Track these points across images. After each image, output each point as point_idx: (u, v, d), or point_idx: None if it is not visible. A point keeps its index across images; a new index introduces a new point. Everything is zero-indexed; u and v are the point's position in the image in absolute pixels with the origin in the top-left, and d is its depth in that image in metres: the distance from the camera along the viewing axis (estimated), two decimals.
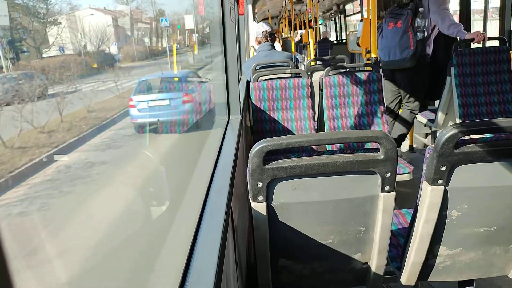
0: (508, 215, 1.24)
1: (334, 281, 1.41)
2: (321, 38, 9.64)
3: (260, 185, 1.13)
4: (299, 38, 10.58)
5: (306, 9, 9.60)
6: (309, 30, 8.68)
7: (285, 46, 10.19)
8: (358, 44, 5.26)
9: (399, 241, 1.58)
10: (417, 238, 1.27)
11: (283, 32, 12.50)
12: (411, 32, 3.11)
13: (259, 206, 1.16)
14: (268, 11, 11.49)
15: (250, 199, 1.17)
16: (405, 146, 4.15)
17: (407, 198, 2.72)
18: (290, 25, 12.06)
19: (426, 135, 4.11)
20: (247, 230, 1.65)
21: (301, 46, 10.16)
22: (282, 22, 12.97)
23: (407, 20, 3.13)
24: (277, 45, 9.72)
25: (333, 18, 11.63)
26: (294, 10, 10.72)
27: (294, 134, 2.65)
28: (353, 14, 10.62)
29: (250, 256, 1.63)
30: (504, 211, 1.23)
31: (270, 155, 1.12)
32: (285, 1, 9.90)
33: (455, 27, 3.00)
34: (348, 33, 7.19)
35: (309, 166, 1.11)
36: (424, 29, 3.12)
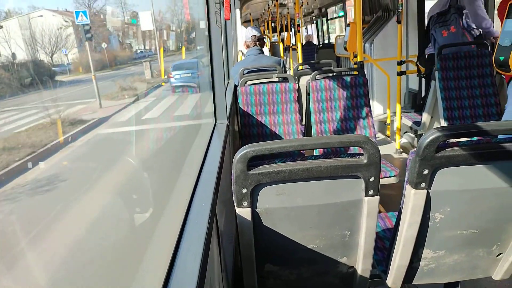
0: (491, 217, 1.26)
1: (321, 285, 1.41)
2: (305, 42, 9.67)
3: (244, 190, 1.13)
4: (281, 41, 10.62)
5: (288, 12, 9.63)
6: (291, 33, 8.70)
7: (274, 51, 10.23)
8: (345, 48, 5.32)
9: (384, 245, 1.59)
10: (402, 241, 1.28)
11: (266, 32, 12.57)
12: (467, 33, 3.12)
13: (244, 212, 1.16)
14: (250, 14, 11.56)
15: (235, 204, 1.16)
16: (392, 148, 4.20)
17: (393, 200, 2.75)
18: (270, 28, 12.14)
19: (413, 138, 4.15)
20: (234, 236, 1.64)
21: (284, 49, 10.20)
22: (263, 25, 13.04)
23: (458, 22, 3.13)
24: (266, 49, 9.74)
25: (314, 22, 11.70)
26: (275, 13, 10.79)
27: (281, 138, 2.66)
28: (335, 18, 10.66)
29: (237, 262, 1.62)
30: (486, 213, 1.25)
31: (255, 161, 1.12)
32: (268, 5, 9.95)
33: (489, 22, 3.04)
34: (336, 37, 7.25)
35: (293, 171, 1.11)
36: (474, 28, 3.13)
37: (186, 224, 0.99)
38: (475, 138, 1.15)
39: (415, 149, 1.16)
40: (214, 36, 1.88)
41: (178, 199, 1.14)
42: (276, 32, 10.55)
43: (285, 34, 10.15)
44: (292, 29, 8.99)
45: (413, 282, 1.42)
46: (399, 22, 3.82)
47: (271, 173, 1.11)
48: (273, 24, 12.38)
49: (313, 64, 4.24)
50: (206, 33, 1.91)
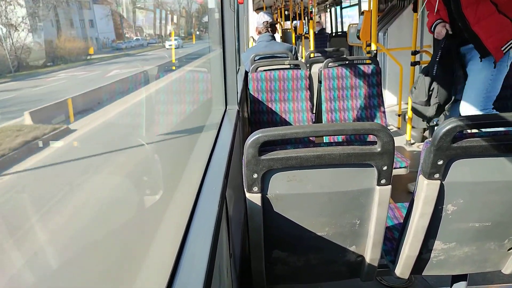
0: (504, 211, 1.24)
1: (328, 273, 1.41)
2: (318, 30, 9.53)
3: (255, 176, 1.12)
4: (293, 29, 10.47)
5: (301, 0, 9.48)
6: (304, 21, 8.56)
7: (285, 38, 10.11)
8: (358, 37, 5.23)
9: (393, 235, 1.58)
10: (412, 232, 1.27)
11: (279, 19, 12.40)
12: None
13: (254, 197, 1.15)
14: (263, 1, 11.38)
15: (245, 189, 1.16)
16: (402, 139, 4.15)
17: (403, 192, 2.73)
18: (282, 16, 11.93)
19: (424, 129, 4.10)
20: (243, 222, 1.64)
21: (296, 37, 10.07)
22: (276, 13, 12.83)
23: None
24: (277, 36, 9.62)
25: (328, 10, 11.50)
26: (289, 0, 10.60)
27: (291, 126, 2.64)
28: (350, 6, 10.47)
29: (245, 248, 1.63)
30: (500, 207, 1.23)
31: (266, 146, 1.11)
32: None
33: None
34: (349, 25, 7.12)
35: (305, 158, 1.10)
36: None
37: (196, 208, 0.98)
38: (492, 130, 1.12)
39: (430, 139, 1.14)
40: (227, 19, 1.85)
41: (189, 183, 1.14)
42: (289, 20, 10.41)
43: (297, 22, 10.00)
44: (306, 17, 8.84)
45: (421, 274, 1.41)
46: (415, 10, 3.74)
47: (282, 159, 1.10)
48: (286, 12, 12.19)
49: (325, 52, 4.18)
50: (217, 16, 1.89)
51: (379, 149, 1.10)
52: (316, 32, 8.97)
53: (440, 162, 1.12)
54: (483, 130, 1.14)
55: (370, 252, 1.30)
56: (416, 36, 3.82)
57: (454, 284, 1.56)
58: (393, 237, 1.56)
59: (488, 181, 1.17)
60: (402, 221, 1.49)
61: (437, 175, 1.14)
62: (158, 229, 0.92)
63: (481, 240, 1.31)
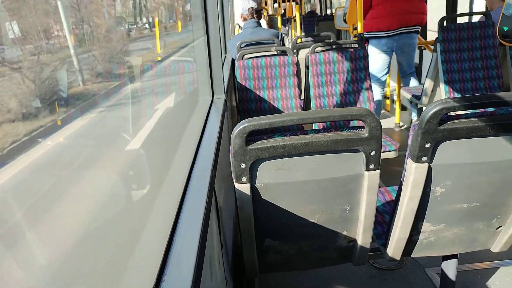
0: (492, 191, 1.25)
1: (320, 259, 1.42)
2: (308, 11, 9.38)
3: (243, 166, 1.11)
4: (282, 11, 10.24)
5: None
6: (293, 4, 8.44)
7: (272, 24, 9.97)
8: (345, 21, 5.19)
9: (384, 218, 1.59)
10: (402, 215, 1.27)
11: (265, 4, 12.13)
12: None
13: (243, 187, 1.15)
14: None
15: (234, 180, 1.15)
16: (391, 122, 4.17)
17: (393, 175, 2.75)
18: None
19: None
20: (234, 212, 1.64)
21: (285, 20, 9.91)
22: None
23: None
24: (263, 22, 9.45)
25: None
26: None
27: (280, 113, 2.62)
28: None
29: (237, 238, 1.63)
30: (488, 187, 1.24)
31: (254, 135, 1.10)
32: None
33: None
34: (335, 8, 7.04)
35: (292, 146, 1.09)
36: None
37: (184, 201, 0.97)
38: (478, 111, 1.12)
39: (417, 122, 1.13)
40: (210, 7, 1.81)
41: (176, 176, 1.13)
42: (276, 2, 10.23)
43: (286, 4, 9.81)
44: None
45: (412, 255, 1.43)
46: None
47: (270, 148, 1.09)
48: None
49: (313, 37, 4.14)
50: (200, 2, 1.84)
51: (366, 134, 1.09)
52: (304, 15, 8.82)
53: (428, 145, 1.12)
54: (470, 111, 1.14)
55: (361, 236, 1.31)
56: None
57: (444, 262, 1.58)
58: (384, 221, 1.57)
59: (475, 162, 1.18)
60: (392, 204, 1.50)
61: (424, 158, 1.15)
62: (145, 224, 0.91)
63: (469, 221, 1.33)
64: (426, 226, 1.33)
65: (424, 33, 4.01)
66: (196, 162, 1.20)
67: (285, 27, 9.87)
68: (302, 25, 7.89)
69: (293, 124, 1.08)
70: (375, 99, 3.50)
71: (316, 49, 2.65)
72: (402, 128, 4.03)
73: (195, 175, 1.12)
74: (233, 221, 1.66)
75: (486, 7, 3.30)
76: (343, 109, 1.10)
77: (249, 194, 1.15)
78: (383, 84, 3.60)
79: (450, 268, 1.57)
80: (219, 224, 1.25)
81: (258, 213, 1.21)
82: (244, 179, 1.13)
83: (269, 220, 1.25)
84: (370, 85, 2.69)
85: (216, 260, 1.11)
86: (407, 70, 3.63)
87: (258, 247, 1.30)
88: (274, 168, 1.13)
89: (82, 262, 0.69)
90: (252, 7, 3.39)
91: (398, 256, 1.40)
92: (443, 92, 2.88)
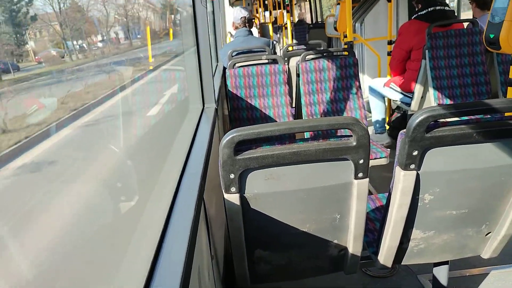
0: (480, 197, 1.26)
1: (312, 268, 1.41)
2: (297, 20, 9.46)
3: (232, 176, 1.10)
4: (273, 19, 10.33)
5: None
6: (284, 12, 8.51)
7: (263, 32, 10.03)
8: (335, 29, 5.24)
9: (375, 226, 1.59)
10: (392, 223, 1.28)
11: (257, 12, 12.18)
12: None
13: (232, 198, 1.14)
14: None
15: (223, 190, 1.14)
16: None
17: (384, 182, 2.75)
18: (261, 6, 11.72)
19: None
20: (225, 223, 1.63)
21: (276, 28, 10.00)
22: (256, 3, 12.63)
23: None
24: (255, 30, 9.50)
25: None
26: None
27: (272, 121, 2.63)
28: None
29: (228, 249, 1.61)
30: (476, 193, 1.25)
31: (242, 145, 1.10)
32: None
33: None
34: (326, 16, 7.10)
35: (281, 155, 1.08)
36: None
37: (172, 212, 0.96)
38: (465, 118, 1.13)
39: (404, 130, 1.14)
40: (200, 16, 1.82)
41: (165, 186, 1.12)
42: (268, 10, 10.29)
43: (278, 12, 9.89)
44: (285, 8, 8.78)
45: (403, 263, 1.43)
46: (389, 0, 3.76)
47: (258, 157, 1.08)
48: (265, 1, 12.01)
49: (303, 45, 4.17)
50: (191, 12, 1.85)
51: (354, 143, 1.10)
52: (295, 23, 8.91)
53: (415, 153, 1.13)
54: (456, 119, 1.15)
55: (352, 245, 1.31)
56: (392, 25, 3.85)
57: (436, 269, 1.58)
58: (375, 228, 1.57)
59: (463, 169, 1.19)
60: (383, 212, 1.50)
61: (412, 166, 1.15)
62: (132, 237, 0.90)
63: (459, 227, 1.33)
64: (416, 233, 1.33)
65: None
66: (185, 172, 1.20)
67: (277, 34, 9.95)
68: (294, 32, 7.96)
69: (281, 133, 1.08)
70: (377, 108, 3.49)
71: (306, 57, 2.67)
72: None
73: (184, 186, 1.11)
74: (224, 232, 1.65)
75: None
76: (331, 118, 1.11)
77: (239, 204, 1.15)
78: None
79: (442, 275, 1.57)
80: (209, 235, 1.24)
81: (248, 224, 1.21)
82: (233, 189, 1.12)
83: (259, 231, 1.24)
84: (361, 92, 2.71)
85: (206, 272, 1.10)
86: None
87: (249, 258, 1.29)
88: (263, 177, 1.13)
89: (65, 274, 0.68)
90: (245, 16, 3.41)
91: (389, 264, 1.40)
92: (432, 98, 2.91)
